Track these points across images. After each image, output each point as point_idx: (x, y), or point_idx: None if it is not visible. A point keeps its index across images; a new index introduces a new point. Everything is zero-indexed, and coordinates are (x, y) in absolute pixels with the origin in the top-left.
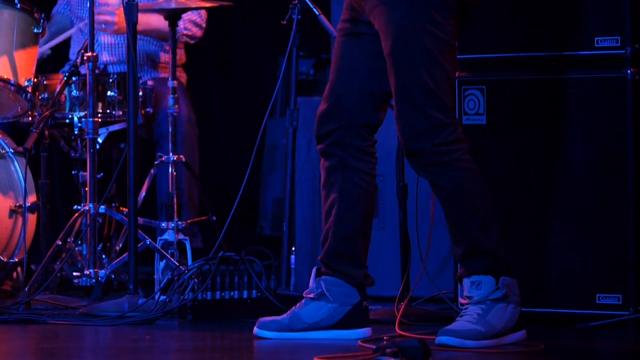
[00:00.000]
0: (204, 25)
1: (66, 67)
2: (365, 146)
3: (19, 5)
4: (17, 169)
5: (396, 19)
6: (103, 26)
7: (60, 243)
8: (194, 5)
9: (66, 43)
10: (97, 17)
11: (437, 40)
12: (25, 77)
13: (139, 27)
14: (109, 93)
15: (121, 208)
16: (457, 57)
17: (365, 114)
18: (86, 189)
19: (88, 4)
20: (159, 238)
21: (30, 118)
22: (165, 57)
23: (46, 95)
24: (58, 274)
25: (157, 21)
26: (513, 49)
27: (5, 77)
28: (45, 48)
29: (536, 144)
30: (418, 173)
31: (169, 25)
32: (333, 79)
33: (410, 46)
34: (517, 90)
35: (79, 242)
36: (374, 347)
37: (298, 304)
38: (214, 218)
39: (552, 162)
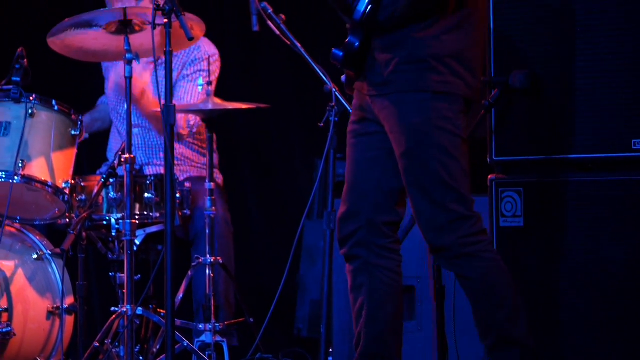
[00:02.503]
0: (193, 130)
1: (103, 169)
2: (388, 243)
3: (56, 107)
4: (55, 270)
5: (408, 118)
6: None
7: (97, 345)
8: (230, 107)
9: (104, 144)
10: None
11: (450, 135)
12: (63, 178)
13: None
14: (146, 195)
15: (158, 310)
16: (494, 159)
17: (385, 212)
18: (123, 290)
19: (125, 105)
20: (196, 340)
21: (67, 220)
22: (201, 158)
23: (84, 197)
24: None
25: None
26: (550, 151)
27: (42, 179)
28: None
29: (574, 246)
30: (444, 266)
31: (206, 127)
32: (350, 181)
33: (424, 144)
34: (554, 192)
35: (117, 343)
36: None
37: None
38: (252, 320)
39: (589, 265)
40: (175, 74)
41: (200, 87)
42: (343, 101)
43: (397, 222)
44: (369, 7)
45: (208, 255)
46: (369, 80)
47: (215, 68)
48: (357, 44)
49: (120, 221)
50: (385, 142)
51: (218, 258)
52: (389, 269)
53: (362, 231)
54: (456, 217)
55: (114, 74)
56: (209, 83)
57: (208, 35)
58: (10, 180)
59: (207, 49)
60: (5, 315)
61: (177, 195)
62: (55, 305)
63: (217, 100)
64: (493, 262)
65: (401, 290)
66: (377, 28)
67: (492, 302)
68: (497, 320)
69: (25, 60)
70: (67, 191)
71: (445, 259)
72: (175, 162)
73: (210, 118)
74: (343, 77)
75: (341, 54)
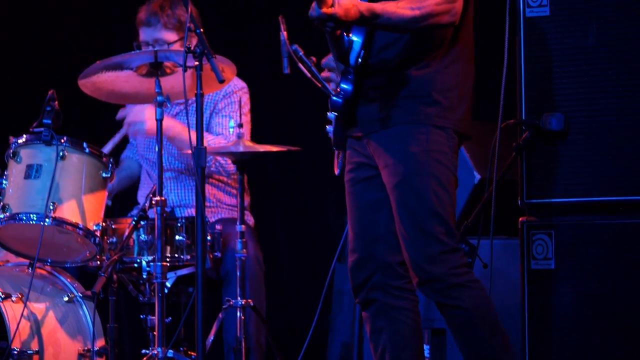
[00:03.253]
0: (221, 169)
1: (134, 211)
2: (404, 284)
3: (87, 150)
4: (86, 313)
5: (406, 148)
6: (135, 129)
7: None
8: (262, 149)
9: (134, 186)
10: (129, 129)
11: (445, 168)
12: (94, 221)
13: (169, 133)
14: (177, 237)
15: (189, 352)
16: (525, 201)
17: (398, 252)
18: (154, 333)
19: (156, 148)
20: None
21: (98, 262)
22: (232, 200)
23: (114, 239)
24: None
25: (181, 126)
26: (581, 194)
27: (73, 221)
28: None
29: (605, 289)
30: (434, 299)
31: (237, 169)
32: (356, 229)
33: (420, 173)
34: (585, 235)
35: None
36: None
37: None
38: None
39: (623, 308)
40: (207, 113)
41: (231, 129)
42: None
43: None
44: (362, 52)
45: (239, 298)
46: (364, 121)
47: (246, 100)
48: (350, 89)
49: (151, 264)
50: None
51: (249, 300)
52: (408, 309)
53: (377, 274)
54: (447, 248)
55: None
56: (240, 125)
57: (239, 77)
58: (42, 223)
59: (237, 82)
60: (36, 358)
61: (208, 237)
62: (86, 348)
63: (248, 143)
64: (482, 292)
65: (421, 330)
66: (369, 70)
67: (487, 331)
68: (494, 348)
69: (57, 102)
70: (98, 233)
71: (435, 290)
72: (207, 204)
73: (242, 160)
74: (329, 128)
75: (340, 100)
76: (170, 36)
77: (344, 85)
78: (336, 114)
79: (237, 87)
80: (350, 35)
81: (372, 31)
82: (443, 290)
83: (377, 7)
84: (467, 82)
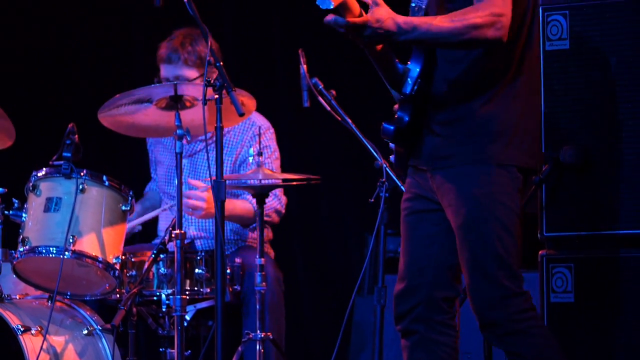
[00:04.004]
0: (283, 212)
1: (155, 241)
2: (447, 319)
3: (107, 183)
4: (105, 346)
5: (469, 190)
6: (191, 210)
7: None
8: (281, 182)
9: (155, 219)
10: (185, 201)
11: (508, 210)
12: (113, 254)
13: (233, 215)
14: (196, 270)
15: None
16: (545, 234)
17: (444, 287)
18: None
19: (175, 181)
20: None
21: (118, 295)
22: (252, 234)
23: (134, 272)
24: None
25: (241, 207)
26: (601, 227)
27: (93, 254)
28: (135, 223)
29: (625, 323)
30: (494, 344)
31: (257, 202)
32: (407, 258)
33: (483, 216)
34: (605, 268)
35: None
36: None
37: None
38: None
39: None
40: (235, 153)
41: (250, 158)
42: (394, 177)
43: (454, 297)
44: (419, 81)
45: (258, 331)
46: (428, 155)
47: (269, 137)
48: (406, 118)
49: (171, 297)
50: (443, 219)
51: (268, 333)
52: (447, 344)
53: (421, 307)
54: (509, 293)
55: (167, 158)
56: (260, 153)
57: (259, 109)
58: (61, 256)
59: (258, 120)
60: None
61: (228, 270)
62: None
63: (267, 171)
64: (545, 339)
65: None
66: (431, 102)
67: None
68: None
69: (76, 135)
70: (117, 267)
71: (495, 335)
72: (226, 238)
73: (261, 192)
74: (392, 157)
75: (392, 128)
76: (191, 73)
77: (400, 114)
78: (387, 140)
79: (258, 126)
80: (408, 63)
81: (430, 61)
82: (503, 336)
83: (416, 19)
84: (533, 117)
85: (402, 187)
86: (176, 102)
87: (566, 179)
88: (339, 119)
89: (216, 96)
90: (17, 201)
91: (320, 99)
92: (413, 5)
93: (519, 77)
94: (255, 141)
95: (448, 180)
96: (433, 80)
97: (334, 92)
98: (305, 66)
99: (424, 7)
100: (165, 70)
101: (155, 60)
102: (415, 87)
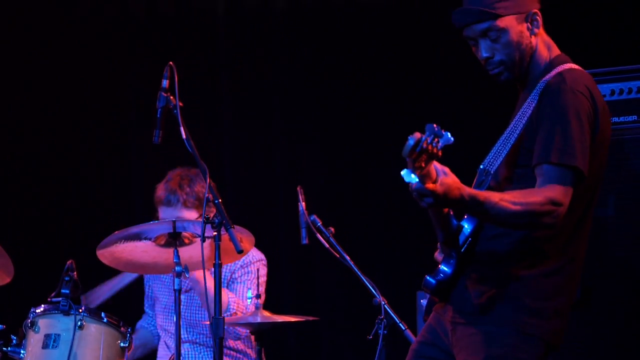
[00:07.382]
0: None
1: None
2: None
3: (105, 320)
4: None
5: (489, 349)
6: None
7: None
8: (279, 320)
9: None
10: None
11: None
12: None
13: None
14: None
15: None
16: None
17: None
18: None
19: (174, 318)
20: None
21: None
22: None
23: None
24: None
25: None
26: None
27: None
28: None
29: None
30: None
31: (255, 339)
32: None
33: None
34: None
35: None
36: None
37: None
38: None
39: None
40: (224, 284)
41: (249, 300)
42: (392, 314)
43: None
44: (470, 239)
45: None
46: (457, 308)
47: (264, 273)
48: (450, 272)
49: None
50: None
51: None
52: None
53: None
54: None
55: (165, 294)
56: (258, 296)
57: (258, 246)
58: None
59: (255, 253)
60: None
61: None
62: None
63: (266, 313)
64: None
65: None
66: (474, 259)
67: None
68: None
69: (75, 272)
70: None
71: None
72: None
73: (259, 331)
74: (423, 302)
75: (434, 282)
76: (191, 215)
77: (444, 267)
78: (427, 293)
79: (256, 259)
80: (462, 220)
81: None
82: None
83: (481, 195)
84: (567, 296)
85: (401, 325)
86: (175, 239)
87: None
88: (337, 255)
89: (215, 233)
90: (15, 338)
91: (319, 236)
92: (482, 168)
93: (563, 254)
94: (253, 283)
95: (470, 335)
96: (478, 238)
97: (332, 230)
98: (304, 203)
99: (492, 172)
100: (164, 213)
101: (153, 201)
102: (466, 245)
